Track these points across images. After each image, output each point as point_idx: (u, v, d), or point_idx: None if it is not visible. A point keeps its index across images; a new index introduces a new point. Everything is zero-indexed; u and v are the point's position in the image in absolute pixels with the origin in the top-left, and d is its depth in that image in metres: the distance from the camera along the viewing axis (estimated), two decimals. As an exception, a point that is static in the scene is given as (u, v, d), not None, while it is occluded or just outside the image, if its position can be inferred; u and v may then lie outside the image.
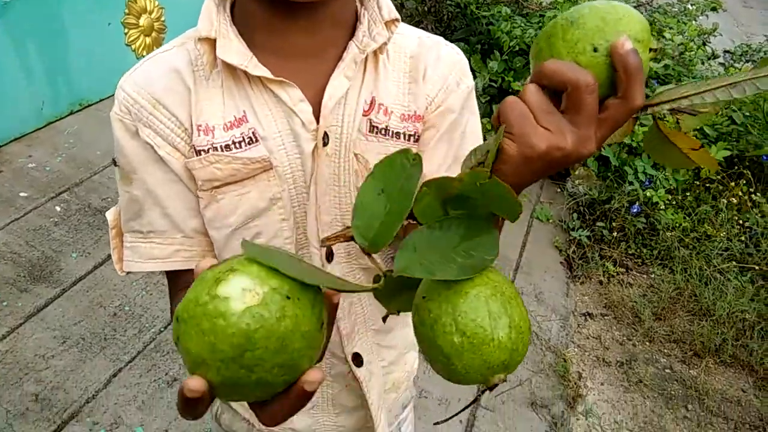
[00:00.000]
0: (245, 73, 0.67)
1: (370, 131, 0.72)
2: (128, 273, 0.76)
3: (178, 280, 0.76)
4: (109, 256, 2.45)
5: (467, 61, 0.79)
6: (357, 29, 0.70)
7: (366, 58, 0.71)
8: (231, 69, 0.67)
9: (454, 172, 0.75)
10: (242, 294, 0.38)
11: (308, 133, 0.69)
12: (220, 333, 0.37)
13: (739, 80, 0.43)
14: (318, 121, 0.69)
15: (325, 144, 0.70)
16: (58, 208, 2.64)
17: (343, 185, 0.73)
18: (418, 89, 0.74)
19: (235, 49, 0.66)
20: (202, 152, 0.68)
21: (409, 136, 0.74)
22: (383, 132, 0.73)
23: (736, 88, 0.43)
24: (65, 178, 2.81)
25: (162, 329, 2.21)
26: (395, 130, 0.73)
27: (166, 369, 2.07)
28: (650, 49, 0.46)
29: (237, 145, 0.68)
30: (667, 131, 0.49)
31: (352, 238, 0.45)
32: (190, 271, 0.73)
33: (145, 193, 0.71)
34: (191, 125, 0.68)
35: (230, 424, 0.95)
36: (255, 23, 0.68)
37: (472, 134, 0.79)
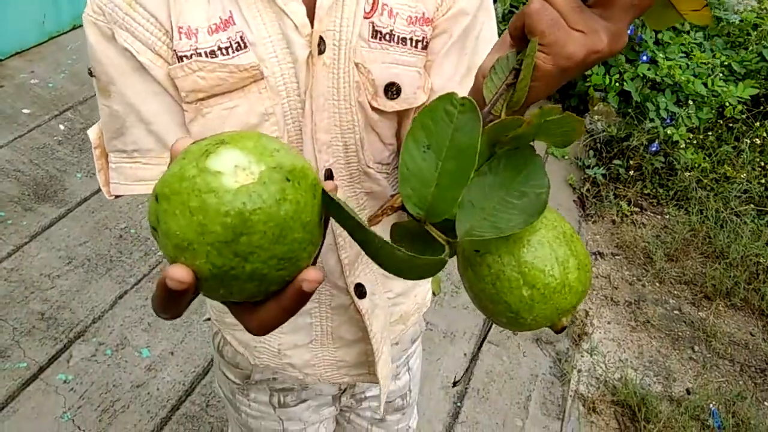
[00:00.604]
0: None
1: (372, 37, 0.64)
2: (117, 197, 0.69)
3: None
4: (114, 177, 2.41)
5: None
6: None
7: None
8: None
9: (467, 85, 0.68)
10: (235, 170, 0.32)
11: (302, 38, 0.61)
12: (211, 211, 0.31)
13: None
14: (313, 25, 0.61)
15: (321, 52, 0.62)
16: (62, 127, 2.57)
17: (343, 99, 0.65)
18: None
19: None
20: (185, 58, 0.60)
21: (417, 42, 0.66)
22: (387, 37, 0.64)
23: None
24: (69, 95, 2.72)
25: (168, 253, 2.19)
26: (401, 35, 0.65)
27: (172, 292, 2.06)
28: None
29: (223, 51, 0.60)
30: None
31: (402, 208, 0.39)
32: None
33: (127, 108, 0.63)
34: (171, 27, 0.60)
35: (233, 357, 0.91)
36: None
37: (488, 41, 0.70)
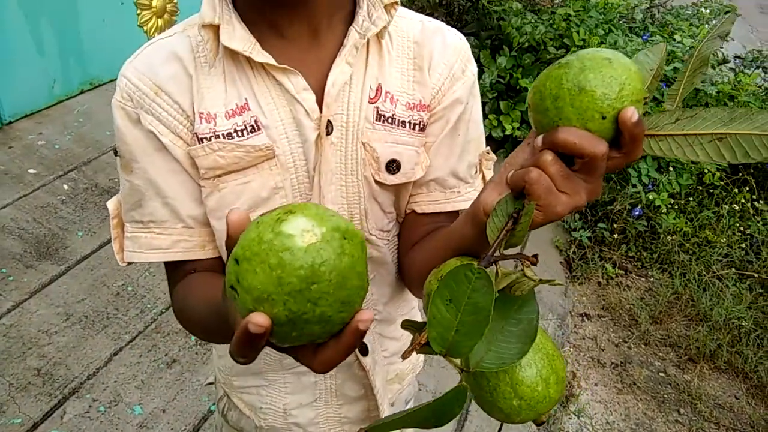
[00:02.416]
0: (248, 59, 0.67)
1: (377, 119, 0.72)
2: (129, 264, 0.76)
3: (178, 271, 0.76)
4: (114, 236, 2.49)
5: (469, 46, 0.79)
6: (356, 14, 0.70)
7: (368, 44, 0.71)
8: (234, 55, 0.67)
9: (463, 161, 0.78)
10: (303, 233, 0.40)
11: (311, 121, 0.69)
12: (287, 266, 0.39)
13: (725, 132, 0.47)
14: (321, 110, 0.69)
15: (328, 133, 0.70)
16: (66, 186, 2.67)
17: (350, 174, 0.73)
18: (423, 77, 0.74)
19: (238, 36, 0.66)
20: (205, 140, 0.68)
21: (415, 125, 0.74)
22: (390, 120, 0.73)
23: (723, 142, 0.47)
24: (74, 156, 2.83)
25: (163, 310, 2.24)
26: (401, 119, 0.73)
27: (166, 350, 2.10)
28: (644, 98, 0.50)
29: (239, 133, 0.68)
30: None
31: (427, 344, 0.48)
32: (190, 261, 0.73)
33: (146, 183, 0.71)
34: (193, 113, 0.68)
35: (237, 421, 0.95)
36: (255, 8, 0.68)
37: (477, 122, 0.80)
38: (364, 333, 0.43)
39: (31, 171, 2.69)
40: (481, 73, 3.30)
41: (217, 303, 0.52)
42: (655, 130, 0.50)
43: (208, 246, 0.75)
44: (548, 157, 0.50)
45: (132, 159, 0.70)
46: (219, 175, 0.70)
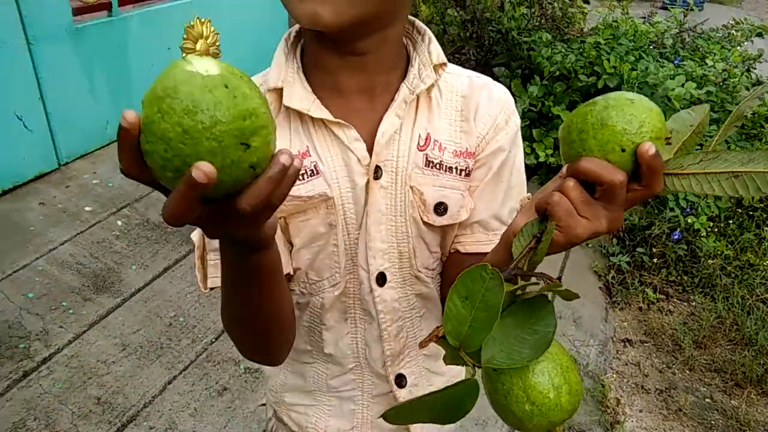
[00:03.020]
0: (308, 114, 0.76)
1: (426, 165, 0.79)
2: (211, 289, 0.83)
3: None
4: (165, 268, 2.61)
5: (513, 99, 0.86)
6: (408, 71, 0.78)
7: (418, 97, 0.79)
8: (296, 111, 0.76)
9: (506, 206, 0.85)
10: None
11: (362, 167, 0.77)
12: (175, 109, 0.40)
13: (741, 170, 0.52)
14: (371, 156, 0.77)
15: (377, 177, 0.78)
16: (119, 222, 2.81)
17: (399, 215, 0.80)
18: (469, 127, 0.81)
19: (298, 96, 0.75)
20: None
21: (461, 170, 0.81)
22: (438, 166, 0.80)
23: (739, 179, 0.52)
24: (126, 194, 2.98)
25: (213, 340, 2.32)
26: (449, 165, 0.80)
27: (217, 378, 2.18)
28: (666, 138, 0.55)
29: (301, 177, 0.77)
30: None
31: (443, 337, 0.54)
32: None
33: None
34: None
35: None
36: (317, 66, 0.77)
37: (519, 169, 0.86)
38: (287, 167, 0.44)
39: (87, 209, 2.84)
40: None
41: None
42: (680, 170, 0.55)
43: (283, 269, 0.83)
44: (570, 183, 0.55)
45: None
46: (284, 217, 0.78)
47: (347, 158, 0.77)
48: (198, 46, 3.76)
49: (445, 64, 0.78)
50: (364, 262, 0.82)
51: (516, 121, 0.84)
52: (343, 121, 0.76)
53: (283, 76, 0.75)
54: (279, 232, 0.80)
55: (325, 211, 0.78)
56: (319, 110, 0.75)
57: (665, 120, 0.55)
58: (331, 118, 0.75)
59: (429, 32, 0.80)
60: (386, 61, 0.77)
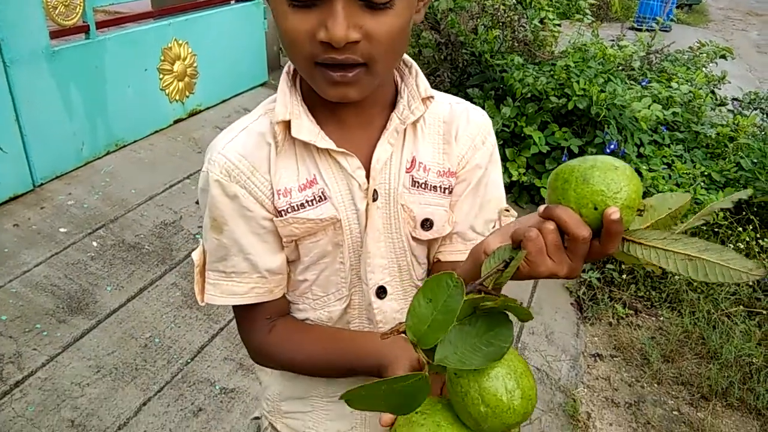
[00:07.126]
0: (314, 145, 0.83)
1: (412, 185, 0.88)
2: (207, 304, 0.91)
3: (249, 312, 0.90)
4: (141, 289, 2.61)
5: (491, 121, 0.94)
6: (398, 103, 0.86)
7: (406, 127, 0.87)
8: (303, 142, 0.83)
9: (481, 218, 0.93)
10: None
11: (362, 192, 0.85)
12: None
13: (696, 256, 0.58)
14: (368, 182, 0.85)
15: (375, 199, 0.86)
16: (94, 244, 2.81)
17: (395, 232, 0.88)
18: (450, 149, 0.89)
19: (306, 128, 0.82)
20: (283, 213, 0.84)
21: (445, 189, 0.90)
22: (423, 186, 0.88)
23: (692, 262, 0.58)
24: (101, 215, 2.98)
25: (189, 360, 2.33)
26: (433, 184, 0.89)
27: (192, 399, 2.19)
28: (638, 210, 0.61)
29: (310, 203, 0.84)
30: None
31: (404, 332, 0.58)
32: (259, 303, 0.90)
33: (232, 242, 0.85)
34: (273, 190, 0.84)
35: None
36: (325, 107, 0.84)
37: (494, 183, 0.94)
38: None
39: (62, 230, 2.84)
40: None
41: (365, 352, 0.82)
42: (644, 240, 0.61)
43: (276, 290, 0.90)
44: (550, 226, 0.61)
45: (223, 222, 0.85)
46: (295, 240, 0.86)
47: (350, 184, 0.85)
48: (175, 68, 3.80)
49: (432, 97, 0.87)
50: (365, 277, 0.89)
51: (492, 141, 0.93)
52: (346, 151, 0.83)
53: (290, 109, 0.83)
54: (284, 254, 0.88)
55: (332, 232, 0.86)
56: (324, 141, 0.82)
57: (651, 195, 0.61)
58: (335, 148, 0.83)
59: (415, 65, 0.89)
60: (382, 97, 0.86)
